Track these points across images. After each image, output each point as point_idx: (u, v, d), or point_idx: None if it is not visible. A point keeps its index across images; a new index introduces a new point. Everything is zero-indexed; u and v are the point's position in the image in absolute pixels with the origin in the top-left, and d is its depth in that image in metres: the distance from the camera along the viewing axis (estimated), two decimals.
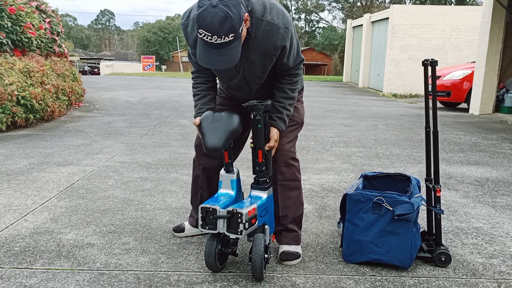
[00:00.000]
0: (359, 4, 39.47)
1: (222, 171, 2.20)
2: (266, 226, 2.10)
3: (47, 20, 8.20)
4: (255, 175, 2.17)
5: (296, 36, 2.10)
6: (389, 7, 14.74)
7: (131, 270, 2.12)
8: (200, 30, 1.76)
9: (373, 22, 16.53)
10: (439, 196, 2.27)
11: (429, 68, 2.25)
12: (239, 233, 1.95)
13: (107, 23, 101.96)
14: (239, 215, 1.94)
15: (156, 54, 50.76)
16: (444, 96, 9.66)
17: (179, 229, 2.55)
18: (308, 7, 41.55)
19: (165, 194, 3.30)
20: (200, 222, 2.03)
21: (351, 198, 2.24)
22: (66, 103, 7.27)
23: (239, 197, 2.21)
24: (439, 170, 2.31)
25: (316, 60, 40.28)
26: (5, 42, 6.58)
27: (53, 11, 8.72)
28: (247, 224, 1.95)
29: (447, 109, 9.94)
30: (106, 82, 15.49)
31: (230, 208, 1.97)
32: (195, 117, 2.21)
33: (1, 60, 6.10)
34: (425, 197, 2.35)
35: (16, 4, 6.89)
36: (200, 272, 2.12)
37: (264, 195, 2.13)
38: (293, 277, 2.10)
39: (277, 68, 2.12)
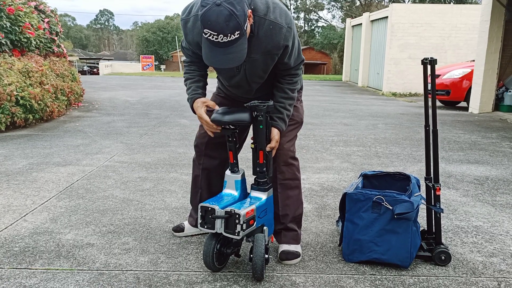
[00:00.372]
0: (358, 3, 39.46)
1: (228, 171, 2.19)
2: (265, 228, 2.09)
3: (46, 20, 8.19)
4: (255, 176, 2.16)
5: (297, 36, 2.09)
6: (388, 6, 14.74)
7: (131, 270, 2.12)
8: (205, 30, 1.74)
9: (372, 21, 16.52)
10: (439, 195, 2.27)
11: (429, 67, 2.25)
12: (236, 234, 1.95)
13: (106, 23, 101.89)
14: (237, 216, 1.94)
15: (155, 54, 50.75)
16: (444, 95, 9.66)
17: (179, 228, 2.54)
18: (307, 6, 41.54)
19: (164, 194, 3.30)
20: (199, 221, 2.03)
21: (350, 197, 2.24)
22: (65, 103, 7.26)
23: (243, 198, 2.19)
24: (439, 169, 2.31)
25: (316, 59, 40.26)
26: (4, 42, 6.57)
27: (52, 11, 8.71)
28: (244, 225, 1.94)
29: (446, 108, 9.94)
30: (105, 82, 15.48)
31: (228, 209, 1.97)
32: (192, 100, 2.18)
33: (0, 60, 6.10)
34: (424, 196, 2.35)
35: (15, 4, 6.88)
36: (200, 271, 2.12)
37: (263, 196, 2.13)
38: (293, 276, 2.10)
39: (278, 68, 2.11)
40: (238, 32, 1.75)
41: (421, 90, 13.81)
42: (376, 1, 38.06)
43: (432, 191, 2.29)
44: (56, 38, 8.54)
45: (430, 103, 2.33)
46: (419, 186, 2.40)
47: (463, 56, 13.66)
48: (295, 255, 2.25)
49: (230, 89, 2.26)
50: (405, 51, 14.02)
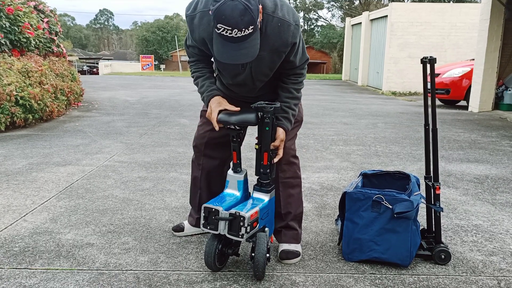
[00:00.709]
0: (357, 2, 39.44)
1: (230, 171, 2.18)
2: (266, 229, 2.09)
3: (45, 20, 8.19)
4: (258, 177, 2.15)
5: (302, 35, 2.09)
6: (387, 5, 14.73)
7: (131, 270, 2.12)
8: (218, 25, 1.71)
9: (371, 20, 16.52)
10: (439, 194, 2.26)
11: (428, 65, 2.25)
12: (240, 236, 1.94)
13: (106, 23, 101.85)
14: (242, 218, 1.93)
15: (155, 54, 50.72)
16: (444, 94, 9.66)
17: (179, 228, 2.54)
18: (306, 5, 41.53)
19: (164, 194, 3.30)
20: (202, 221, 2.02)
21: (350, 196, 2.24)
22: (65, 103, 7.26)
23: (245, 198, 2.19)
24: (439, 168, 2.31)
25: (315, 58, 40.24)
26: (3, 42, 6.57)
27: (51, 10, 8.70)
28: (248, 228, 1.94)
29: (446, 107, 9.94)
30: (105, 82, 15.48)
31: (232, 211, 1.96)
32: (210, 96, 2.11)
33: (0, 60, 6.09)
34: (424, 195, 2.35)
35: (14, 4, 6.88)
36: (200, 271, 2.12)
37: (266, 198, 2.12)
38: (293, 275, 2.10)
39: (284, 67, 2.09)
40: (252, 27, 1.73)
41: (420, 89, 13.80)
42: (375, 0, 38.04)
43: (432, 190, 2.29)
44: (55, 38, 8.54)
45: (429, 102, 2.33)
46: (418, 185, 2.40)
47: (463, 55, 13.66)
48: (295, 254, 2.25)
49: (233, 88, 2.23)
50: (404, 50, 14.02)
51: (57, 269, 2.11)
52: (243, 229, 1.93)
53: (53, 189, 3.35)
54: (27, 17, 7.15)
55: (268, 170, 2.10)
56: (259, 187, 2.14)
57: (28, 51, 7.28)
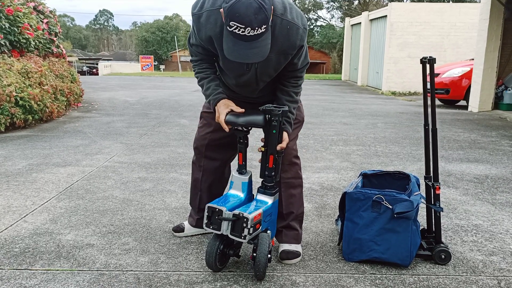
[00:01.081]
0: (356, 2, 39.45)
1: (235, 172, 2.18)
2: (269, 231, 2.09)
3: (45, 20, 8.19)
4: (262, 179, 2.14)
5: None
6: (386, 5, 14.73)
7: (131, 271, 2.12)
8: (231, 23, 1.70)
9: (371, 20, 16.53)
10: (439, 194, 2.27)
11: (428, 65, 2.25)
12: (243, 237, 1.94)
13: (106, 23, 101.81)
14: (245, 219, 1.93)
15: (154, 54, 50.76)
16: (443, 94, 9.66)
17: (179, 229, 2.54)
18: (306, 6, 41.57)
19: (164, 194, 3.30)
20: (205, 221, 2.02)
21: (350, 196, 2.24)
22: (65, 103, 7.26)
23: (248, 200, 2.19)
24: (438, 168, 2.31)
25: (315, 58, 40.24)
26: (3, 43, 6.57)
27: (50, 11, 8.70)
28: (251, 230, 1.94)
29: (446, 107, 9.94)
30: (104, 82, 15.48)
31: (236, 212, 1.96)
32: (216, 100, 2.10)
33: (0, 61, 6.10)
34: (424, 195, 2.35)
35: (14, 4, 6.87)
36: (200, 271, 2.12)
37: (270, 200, 2.11)
38: (293, 276, 2.10)
39: (285, 69, 2.09)
40: (265, 26, 1.72)
41: (420, 89, 13.81)
42: (375, 0, 38.05)
43: (432, 190, 2.29)
44: (55, 38, 8.54)
45: (429, 102, 2.33)
46: (418, 185, 2.40)
47: (462, 54, 13.67)
48: (296, 254, 2.25)
49: (234, 89, 2.22)
50: (404, 50, 14.03)
51: (57, 270, 2.11)
52: (246, 231, 1.93)
53: (53, 190, 3.35)
54: (26, 18, 7.15)
55: (273, 173, 2.10)
56: (263, 190, 2.13)
57: (28, 52, 7.28)
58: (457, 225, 2.79)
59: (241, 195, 2.15)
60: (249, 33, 1.71)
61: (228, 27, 1.72)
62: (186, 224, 2.56)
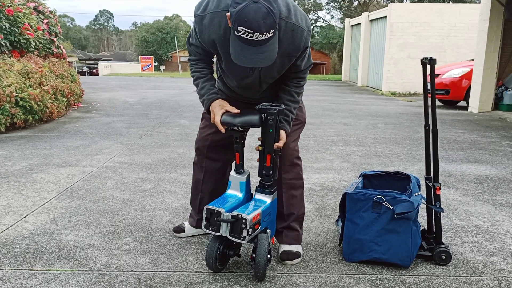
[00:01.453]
0: (356, 3, 39.46)
1: (233, 172, 2.18)
2: (268, 230, 2.09)
3: (45, 21, 8.19)
4: (260, 179, 2.15)
5: None
6: (386, 6, 14.74)
7: (132, 271, 2.12)
8: (239, 28, 1.69)
9: (371, 20, 16.53)
10: (439, 195, 2.27)
11: (428, 66, 2.25)
12: (242, 238, 1.94)
13: (106, 24, 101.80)
14: (244, 220, 1.93)
15: (154, 54, 50.75)
16: (443, 94, 9.67)
17: (179, 229, 2.54)
18: (305, 6, 41.55)
19: (164, 195, 3.30)
20: (203, 223, 2.02)
21: (351, 197, 2.24)
22: (65, 104, 7.26)
23: (247, 199, 2.19)
24: (439, 168, 2.31)
25: (315, 59, 40.19)
26: (3, 44, 6.57)
27: (51, 12, 8.70)
28: (250, 230, 1.94)
29: (446, 107, 9.94)
30: (104, 83, 15.48)
31: (235, 213, 1.96)
32: (210, 100, 2.10)
33: (0, 61, 6.09)
34: (425, 196, 2.36)
35: (14, 5, 6.88)
36: (201, 272, 2.12)
37: (268, 199, 2.11)
38: (293, 276, 2.10)
39: (289, 71, 2.09)
40: (273, 31, 1.72)
41: (420, 90, 13.82)
42: (375, 0, 38.06)
43: (432, 190, 2.29)
44: (55, 39, 8.54)
45: (429, 103, 2.33)
46: (419, 186, 2.40)
47: (462, 55, 13.68)
48: (296, 255, 2.25)
49: (237, 90, 2.21)
50: (404, 51, 14.03)
51: (58, 270, 2.11)
52: (245, 232, 1.93)
53: (53, 190, 3.36)
54: (27, 18, 7.15)
55: (270, 172, 2.10)
56: (261, 189, 2.13)
57: (28, 52, 7.28)
58: (458, 226, 2.79)
59: (240, 195, 2.16)
60: (257, 38, 1.70)
61: (235, 31, 1.71)
62: (186, 224, 2.56)
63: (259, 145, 2.10)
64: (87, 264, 2.18)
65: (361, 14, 18.36)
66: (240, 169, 2.17)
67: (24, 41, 7.01)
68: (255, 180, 2.27)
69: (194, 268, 2.16)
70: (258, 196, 2.13)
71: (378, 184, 2.55)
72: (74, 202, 3.10)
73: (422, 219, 2.68)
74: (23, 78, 6.09)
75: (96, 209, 2.96)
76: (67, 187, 3.43)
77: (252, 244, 2.06)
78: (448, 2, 30.45)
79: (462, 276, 2.13)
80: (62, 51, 8.96)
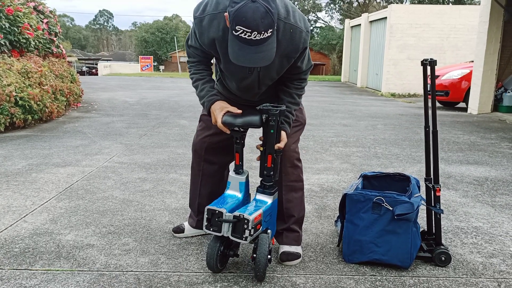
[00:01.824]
0: (355, 4, 39.49)
1: (232, 173, 2.18)
2: (269, 231, 2.09)
3: (45, 20, 8.18)
4: (261, 179, 2.14)
5: None
6: (386, 7, 14.75)
7: (131, 271, 2.12)
8: (237, 27, 1.69)
9: (371, 21, 16.54)
10: (439, 196, 2.27)
11: (428, 68, 2.25)
12: (244, 239, 1.95)
13: (105, 24, 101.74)
14: (246, 221, 1.93)
15: (154, 55, 50.72)
16: (443, 96, 9.67)
17: (179, 229, 2.54)
18: (305, 8, 41.56)
19: (164, 195, 3.30)
20: (205, 223, 2.02)
21: (350, 198, 2.24)
22: (65, 103, 7.25)
23: (246, 200, 2.19)
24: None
25: (314, 60, 40.20)
26: (3, 43, 6.56)
27: (50, 11, 8.69)
28: (252, 231, 1.94)
29: (445, 109, 9.95)
30: (104, 83, 15.47)
31: (236, 213, 1.96)
32: (211, 102, 2.09)
33: None
34: (424, 197, 2.36)
35: (14, 4, 6.87)
36: (200, 272, 2.12)
37: (269, 200, 2.11)
38: (293, 277, 2.10)
39: (290, 72, 2.09)
40: (271, 30, 1.72)
41: (419, 91, 13.83)
42: (375, 1, 38.08)
43: (432, 192, 2.29)
44: (55, 38, 8.53)
45: (430, 104, 2.33)
46: (419, 187, 2.40)
47: (462, 57, 13.69)
48: (296, 256, 2.25)
49: (236, 92, 2.21)
50: (404, 52, 14.04)
51: (57, 270, 2.11)
52: (247, 232, 1.93)
53: (53, 190, 3.35)
54: (26, 18, 7.15)
55: (271, 172, 2.09)
56: (262, 189, 2.13)
57: (28, 51, 7.27)
58: (457, 227, 2.79)
59: (239, 195, 2.16)
60: (255, 37, 1.70)
61: (233, 31, 1.71)
62: (186, 225, 2.56)
63: (260, 145, 2.10)
64: (86, 264, 2.18)
65: (360, 15, 18.37)
66: (239, 170, 2.17)
67: (24, 41, 7.01)
68: (255, 181, 2.27)
69: (193, 269, 2.16)
70: (259, 196, 2.13)
71: (378, 185, 2.55)
72: (73, 202, 3.10)
73: (422, 221, 2.68)
74: (23, 78, 6.08)
75: (95, 209, 2.96)
76: (66, 187, 3.42)
77: (253, 245, 2.06)
78: (448, 4, 30.48)
79: (461, 278, 2.13)
80: (62, 50, 8.95)
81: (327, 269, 2.19)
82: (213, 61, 2.23)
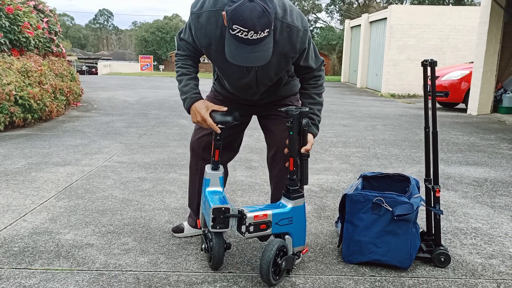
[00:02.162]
0: (355, 5, 39.50)
1: (209, 169, 2.18)
2: (287, 236, 2.05)
3: (45, 19, 8.18)
4: (286, 183, 2.11)
5: (311, 39, 2.08)
6: (386, 7, 14.76)
7: (131, 271, 2.12)
8: (234, 26, 1.69)
9: (371, 22, 16.55)
10: (439, 197, 2.27)
11: (428, 68, 2.25)
12: (242, 234, 1.96)
13: (105, 23, 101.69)
14: (244, 216, 1.95)
15: (154, 54, 50.67)
16: (442, 97, 9.68)
17: (178, 229, 2.54)
18: (305, 8, 41.56)
19: (164, 194, 3.30)
20: (210, 223, 2.00)
21: (350, 198, 2.24)
22: (64, 103, 7.25)
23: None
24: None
25: None
26: (3, 42, 6.56)
27: (51, 10, 8.69)
28: (252, 228, 1.94)
29: (445, 109, 9.95)
30: (104, 82, 15.46)
31: (240, 208, 1.99)
32: (193, 100, 2.10)
33: None
34: (424, 198, 2.36)
35: (14, 3, 6.87)
36: (200, 272, 2.12)
37: (289, 204, 2.05)
38: (292, 277, 2.10)
39: (301, 72, 2.10)
40: (268, 30, 1.72)
41: (419, 92, 13.83)
42: (375, 2, 38.09)
43: (432, 192, 2.29)
44: (55, 37, 8.53)
45: (430, 105, 2.33)
46: (418, 188, 2.40)
47: (462, 57, 13.70)
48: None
49: (235, 92, 2.21)
50: (404, 53, 14.05)
51: (56, 270, 2.11)
52: (243, 227, 1.95)
53: (52, 189, 3.35)
54: (26, 17, 7.14)
55: (294, 176, 2.04)
56: (285, 193, 2.08)
57: (28, 50, 7.27)
58: (457, 228, 2.80)
59: (221, 189, 2.18)
60: (252, 36, 1.70)
61: (230, 30, 1.71)
62: (185, 224, 2.56)
63: (286, 147, 2.07)
64: (86, 263, 2.18)
65: (361, 16, 18.38)
66: (217, 165, 2.19)
67: (24, 40, 7.00)
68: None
69: (193, 268, 2.16)
70: (282, 200, 2.09)
71: (378, 186, 2.55)
72: (73, 201, 3.10)
73: (422, 221, 2.68)
74: (23, 77, 6.08)
75: (95, 209, 2.96)
76: (66, 186, 3.42)
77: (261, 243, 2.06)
78: (448, 5, 30.50)
79: (461, 279, 2.13)
80: (62, 50, 8.94)
81: (327, 270, 2.19)
82: (201, 58, 2.23)
